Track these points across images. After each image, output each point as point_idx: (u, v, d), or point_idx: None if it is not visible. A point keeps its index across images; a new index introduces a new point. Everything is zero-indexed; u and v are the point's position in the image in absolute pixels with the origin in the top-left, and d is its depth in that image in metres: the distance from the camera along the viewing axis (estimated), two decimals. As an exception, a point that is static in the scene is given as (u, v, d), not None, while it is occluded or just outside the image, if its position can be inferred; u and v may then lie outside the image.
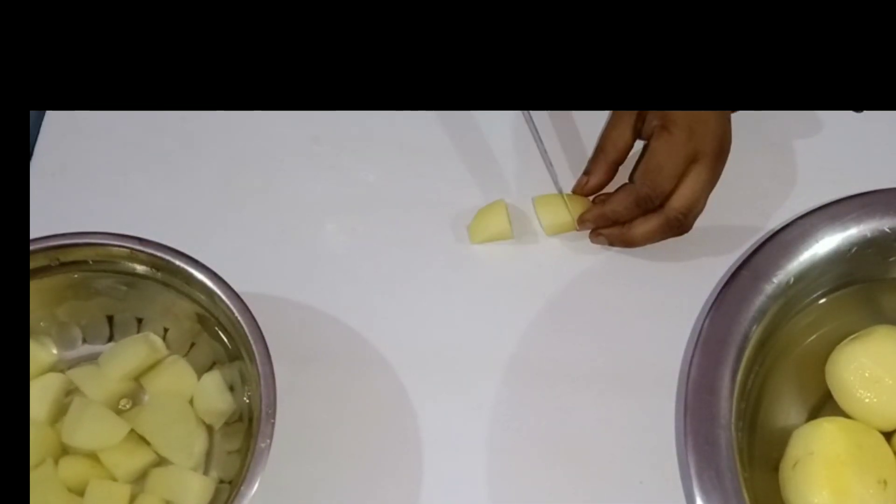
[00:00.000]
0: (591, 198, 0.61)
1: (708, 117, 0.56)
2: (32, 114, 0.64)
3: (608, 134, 0.60)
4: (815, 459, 0.50)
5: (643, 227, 0.57)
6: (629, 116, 0.59)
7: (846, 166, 0.63)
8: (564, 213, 0.60)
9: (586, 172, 0.60)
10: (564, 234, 0.61)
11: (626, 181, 0.60)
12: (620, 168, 0.61)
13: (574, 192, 0.61)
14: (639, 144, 0.61)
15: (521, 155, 0.63)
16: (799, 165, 0.63)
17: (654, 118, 0.57)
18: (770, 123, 0.65)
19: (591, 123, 0.64)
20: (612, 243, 0.59)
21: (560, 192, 0.60)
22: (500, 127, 0.64)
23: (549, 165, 0.61)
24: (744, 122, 0.64)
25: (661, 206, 0.56)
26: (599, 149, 0.60)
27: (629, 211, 0.57)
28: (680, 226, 0.57)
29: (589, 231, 0.60)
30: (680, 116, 0.55)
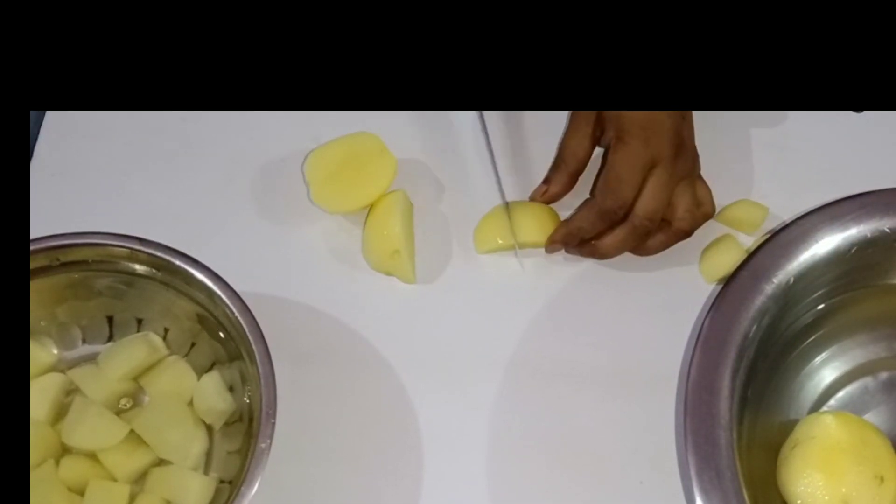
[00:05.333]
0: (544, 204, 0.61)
1: (662, 119, 0.55)
2: (32, 114, 0.64)
3: (567, 143, 0.60)
4: (814, 443, 0.51)
5: (611, 238, 0.57)
6: (587, 125, 0.59)
7: (846, 166, 0.63)
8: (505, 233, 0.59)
9: (546, 181, 0.60)
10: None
11: (588, 195, 0.60)
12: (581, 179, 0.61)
13: (532, 199, 0.61)
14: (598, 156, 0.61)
15: (523, 156, 0.63)
16: (799, 165, 0.63)
17: (610, 128, 0.57)
18: (770, 123, 0.65)
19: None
20: (584, 256, 0.59)
21: (505, 204, 0.60)
22: (499, 128, 0.64)
23: (496, 174, 0.61)
24: (744, 122, 0.64)
25: (626, 216, 0.56)
26: (559, 158, 0.60)
27: (594, 225, 0.57)
28: (646, 231, 0.56)
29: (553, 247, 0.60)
30: (634, 125, 0.55)
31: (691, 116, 0.59)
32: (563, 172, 0.60)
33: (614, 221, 0.56)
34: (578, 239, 0.58)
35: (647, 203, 0.55)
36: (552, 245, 0.59)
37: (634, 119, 0.55)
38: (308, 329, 0.58)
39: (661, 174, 0.55)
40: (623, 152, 0.55)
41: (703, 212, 0.58)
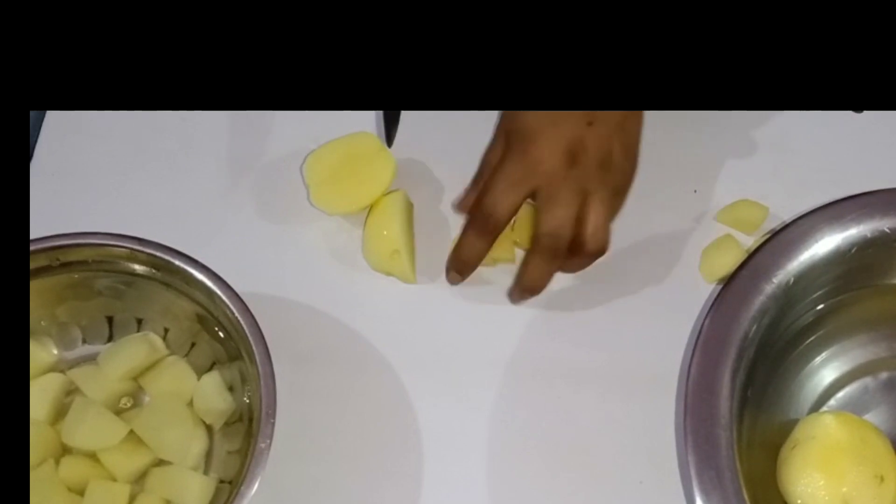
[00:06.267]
0: None
1: (553, 126, 0.52)
2: (32, 114, 0.64)
3: (485, 156, 0.59)
4: (814, 444, 0.51)
5: (529, 269, 0.55)
6: (499, 142, 0.57)
7: (846, 166, 0.63)
8: None
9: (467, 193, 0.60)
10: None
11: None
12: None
13: (455, 206, 0.61)
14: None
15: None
16: (799, 165, 0.63)
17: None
18: (770, 123, 0.65)
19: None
20: (521, 297, 0.58)
21: None
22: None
23: None
24: (744, 122, 0.64)
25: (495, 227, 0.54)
26: (479, 171, 0.60)
27: (471, 246, 0.55)
28: (555, 248, 0.53)
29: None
30: (516, 135, 0.53)
31: (624, 123, 0.54)
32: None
33: (490, 234, 0.54)
34: (467, 261, 0.56)
35: (543, 219, 0.53)
36: (450, 277, 0.58)
37: (518, 128, 0.53)
38: (308, 329, 0.58)
39: (547, 190, 0.53)
40: (500, 164, 0.54)
41: (596, 247, 0.54)
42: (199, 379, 0.54)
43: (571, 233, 0.53)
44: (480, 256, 0.56)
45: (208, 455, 0.53)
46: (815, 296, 0.55)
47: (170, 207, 0.61)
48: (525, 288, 0.56)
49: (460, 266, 0.57)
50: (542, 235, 0.53)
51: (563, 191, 0.53)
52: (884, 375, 0.56)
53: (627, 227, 0.61)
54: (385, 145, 0.59)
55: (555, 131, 0.52)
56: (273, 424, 0.47)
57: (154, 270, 0.53)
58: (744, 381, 0.50)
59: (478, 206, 0.54)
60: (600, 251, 0.54)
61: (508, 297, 0.59)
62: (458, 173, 0.63)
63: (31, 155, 0.62)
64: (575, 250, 0.54)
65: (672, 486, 0.54)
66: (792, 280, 0.52)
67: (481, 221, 0.54)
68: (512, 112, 0.55)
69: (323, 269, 0.60)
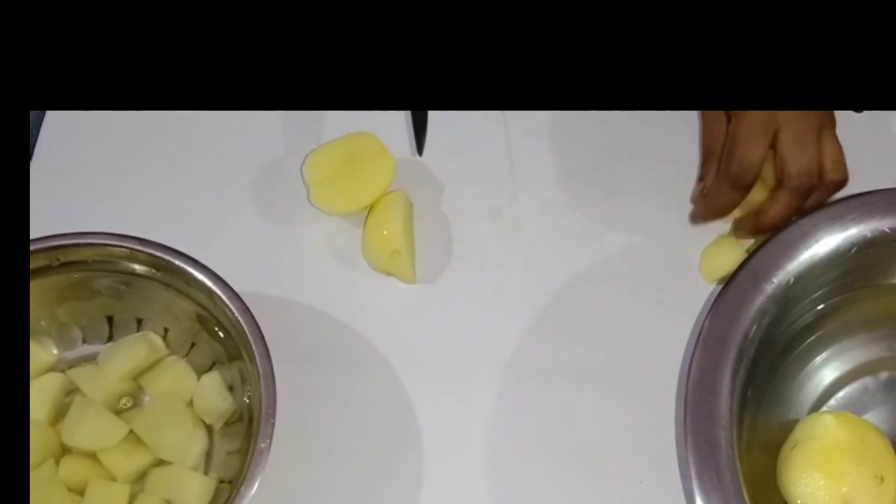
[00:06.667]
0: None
1: None
2: (32, 114, 0.64)
3: (706, 137, 0.59)
4: (814, 444, 0.51)
5: (775, 207, 0.56)
6: (718, 116, 0.58)
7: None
8: None
9: (701, 179, 0.60)
10: (562, 235, 0.61)
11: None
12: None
13: (694, 200, 0.61)
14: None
15: (528, 157, 0.63)
16: (799, 165, 0.63)
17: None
18: (770, 123, 0.65)
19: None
20: (754, 234, 0.59)
21: None
22: (501, 130, 0.64)
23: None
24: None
25: (754, 179, 0.55)
26: (707, 153, 0.59)
27: (727, 196, 0.56)
28: (807, 189, 0.55)
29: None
30: None
31: None
32: (714, 163, 0.58)
33: (746, 186, 0.56)
34: (719, 212, 0.58)
35: (793, 160, 0.54)
36: (696, 220, 0.60)
37: None
38: (308, 329, 0.58)
39: (790, 130, 0.54)
40: (741, 119, 0.55)
41: (840, 177, 0.56)
42: (199, 379, 0.54)
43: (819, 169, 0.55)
44: (734, 206, 0.57)
45: (208, 455, 0.53)
46: (815, 296, 0.55)
47: (170, 207, 0.61)
48: (767, 226, 0.57)
49: (711, 215, 0.59)
50: (795, 176, 0.54)
51: (804, 130, 0.54)
52: (884, 375, 0.56)
53: (627, 227, 0.61)
54: (416, 152, 0.60)
55: None
56: (273, 424, 0.47)
57: (154, 270, 0.53)
58: (744, 381, 0.50)
59: (729, 159, 0.55)
60: (843, 182, 0.56)
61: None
62: (458, 173, 0.63)
63: (31, 155, 0.62)
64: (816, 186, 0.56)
65: (672, 486, 0.54)
66: (792, 280, 0.52)
67: (737, 172, 0.55)
68: None
69: (323, 269, 0.60)
